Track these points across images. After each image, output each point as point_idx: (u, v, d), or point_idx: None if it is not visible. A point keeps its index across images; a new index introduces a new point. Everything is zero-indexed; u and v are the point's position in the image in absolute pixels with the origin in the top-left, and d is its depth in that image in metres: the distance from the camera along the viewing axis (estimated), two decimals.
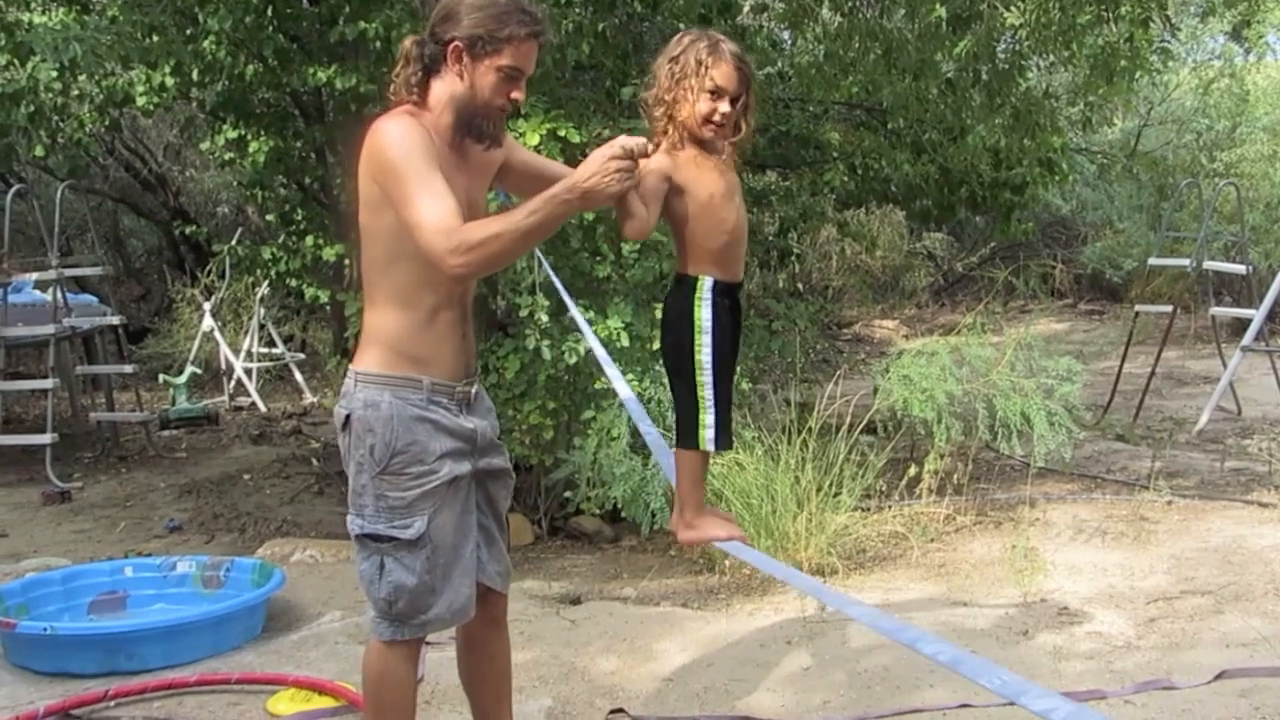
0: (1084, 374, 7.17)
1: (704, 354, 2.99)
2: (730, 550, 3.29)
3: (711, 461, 5.99)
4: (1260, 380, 10.22)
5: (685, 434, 3.08)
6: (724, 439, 3.10)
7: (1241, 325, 10.29)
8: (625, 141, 2.78)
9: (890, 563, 6.02)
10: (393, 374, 2.95)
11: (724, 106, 2.93)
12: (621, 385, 3.96)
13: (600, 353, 4.06)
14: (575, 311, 4.39)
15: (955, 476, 6.64)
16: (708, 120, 2.93)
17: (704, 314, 2.98)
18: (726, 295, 3.01)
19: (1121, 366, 10.28)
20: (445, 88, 2.94)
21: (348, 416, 2.98)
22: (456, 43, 2.89)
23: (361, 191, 2.93)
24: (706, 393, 3.01)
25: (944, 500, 6.58)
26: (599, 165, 2.74)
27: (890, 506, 6.59)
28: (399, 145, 2.82)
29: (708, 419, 3.03)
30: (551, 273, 4.74)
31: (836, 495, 6.13)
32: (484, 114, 2.95)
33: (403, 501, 2.94)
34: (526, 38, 2.91)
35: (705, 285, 2.99)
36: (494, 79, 2.92)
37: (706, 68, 2.91)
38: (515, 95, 2.96)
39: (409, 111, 2.91)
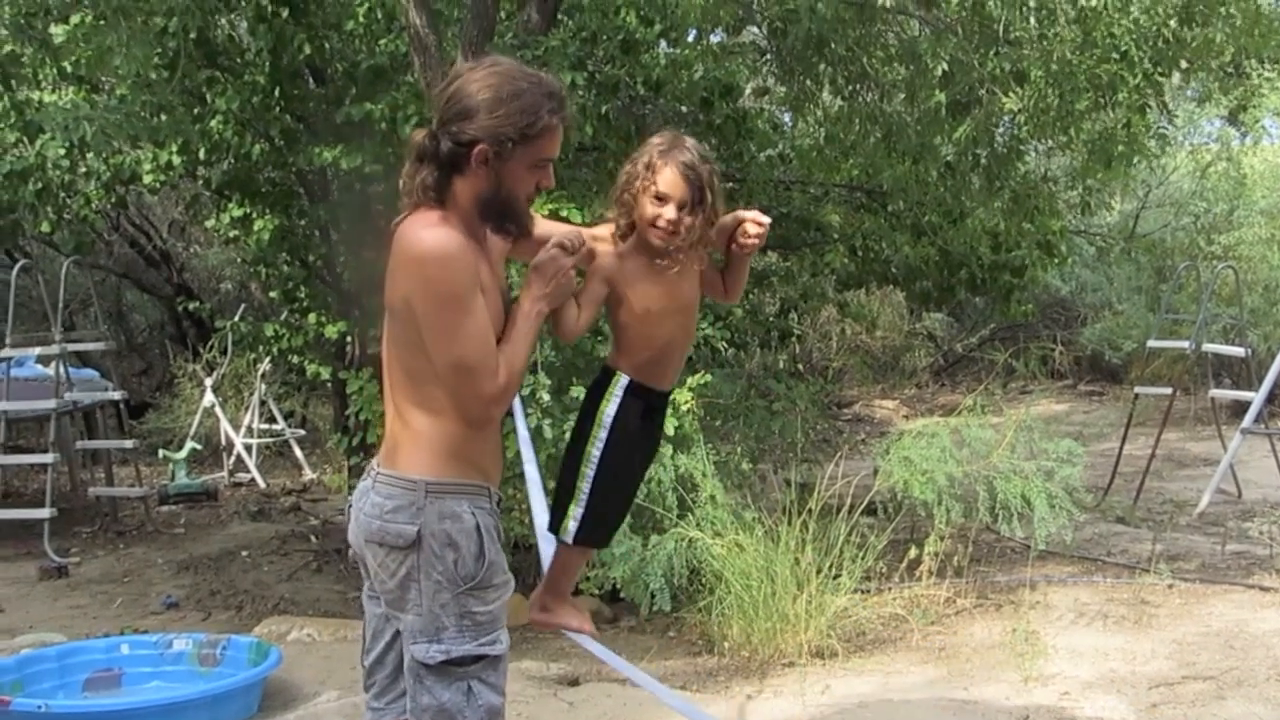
0: (1084, 456, 7.16)
1: (594, 448, 2.92)
2: (579, 642, 3.24)
3: (709, 542, 6.04)
4: (1260, 463, 10.20)
5: (554, 516, 3.02)
6: (593, 538, 3.04)
7: (1241, 407, 10.30)
8: (563, 242, 2.76)
9: (890, 645, 5.99)
10: (466, 481, 2.72)
11: (669, 212, 2.78)
12: (530, 468, 3.73)
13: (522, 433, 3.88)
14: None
15: (956, 558, 6.62)
16: (653, 224, 2.80)
17: (608, 409, 2.91)
18: (641, 399, 2.93)
19: (1121, 448, 10.27)
20: (469, 188, 2.68)
21: (418, 533, 2.68)
22: (483, 146, 2.62)
23: (396, 303, 2.68)
24: (584, 485, 2.93)
25: (944, 582, 6.55)
26: (554, 272, 2.73)
27: (890, 588, 6.57)
28: (440, 269, 2.59)
29: (575, 511, 2.95)
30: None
31: (837, 577, 6.11)
32: (513, 208, 2.73)
33: (489, 616, 2.72)
34: (558, 125, 2.69)
35: (620, 382, 2.92)
36: (524, 174, 2.69)
37: (654, 171, 2.79)
38: (544, 183, 2.76)
39: (442, 216, 2.65)
